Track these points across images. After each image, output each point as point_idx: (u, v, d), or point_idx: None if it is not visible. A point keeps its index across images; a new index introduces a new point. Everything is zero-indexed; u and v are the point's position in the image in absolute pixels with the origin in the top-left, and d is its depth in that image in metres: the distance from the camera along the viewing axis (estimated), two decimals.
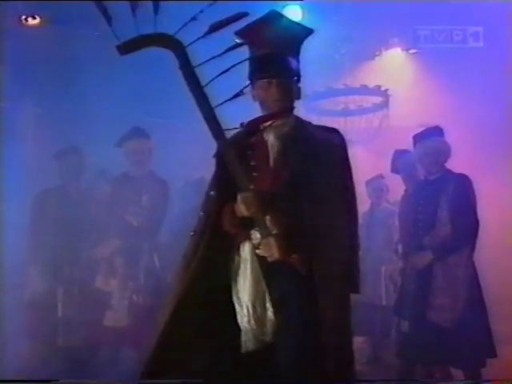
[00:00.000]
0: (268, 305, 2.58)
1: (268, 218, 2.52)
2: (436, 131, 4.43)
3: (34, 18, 5.61)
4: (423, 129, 4.51)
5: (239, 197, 2.53)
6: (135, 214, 4.63)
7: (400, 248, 4.81)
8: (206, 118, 2.42)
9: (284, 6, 5.93)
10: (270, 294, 2.58)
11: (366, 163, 5.84)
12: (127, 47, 2.24)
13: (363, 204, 5.53)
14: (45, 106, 5.94)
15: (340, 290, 2.55)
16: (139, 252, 4.59)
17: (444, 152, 4.36)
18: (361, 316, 5.02)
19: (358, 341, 5.08)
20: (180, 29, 2.28)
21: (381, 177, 5.70)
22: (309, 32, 2.79)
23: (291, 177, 2.58)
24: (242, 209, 2.52)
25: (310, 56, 5.81)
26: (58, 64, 5.47)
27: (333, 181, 2.60)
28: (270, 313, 2.58)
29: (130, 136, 4.73)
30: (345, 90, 6.09)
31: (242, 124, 2.59)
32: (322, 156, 2.60)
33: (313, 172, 2.57)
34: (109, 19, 2.19)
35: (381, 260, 5.48)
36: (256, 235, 2.59)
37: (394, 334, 4.79)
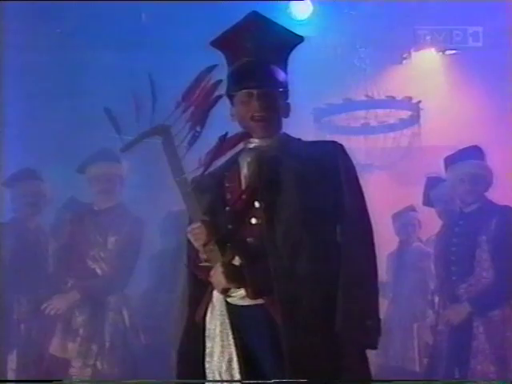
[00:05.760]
0: (236, 374, 2.62)
1: (229, 245, 2.64)
2: (474, 152, 4.45)
3: None
4: (458, 149, 4.54)
5: (187, 231, 2.66)
6: (99, 259, 4.64)
7: (437, 299, 4.81)
8: None
9: None
10: (238, 357, 2.62)
11: (393, 193, 5.89)
12: (128, 147, 2.71)
13: (390, 242, 5.56)
14: None
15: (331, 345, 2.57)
16: (104, 307, 4.60)
17: (484, 178, 4.38)
18: None
19: None
20: None
21: (412, 209, 5.72)
22: (298, 40, 2.85)
23: (264, 206, 2.65)
24: (194, 244, 2.66)
25: (322, 61, 5.98)
26: (11, 70, 5.49)
27: (319, 204, 2.64)
28: None
29: (95, 159, 4.76)
30: (366, 102, 6.11)
31: (221, 137, 2.68)
32: (303, 177, 2.65)
33: (290, 196, 2.64)
34: (118, 129, 2.68)
35: (413, 314, 5.47)
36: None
37: None
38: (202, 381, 2.71)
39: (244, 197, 2.70)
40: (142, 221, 4.78)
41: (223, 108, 2.75)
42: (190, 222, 2.67)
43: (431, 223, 5.27)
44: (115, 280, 4.65)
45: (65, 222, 4.87)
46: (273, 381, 2.55)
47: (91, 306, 4.58)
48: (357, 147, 5.69)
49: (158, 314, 4.78)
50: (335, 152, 2.74)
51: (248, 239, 2.66)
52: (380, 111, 6.17)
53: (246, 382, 2.61)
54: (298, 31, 2.88)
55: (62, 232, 4.86)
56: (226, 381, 2.63)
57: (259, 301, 2.62)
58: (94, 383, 4.51)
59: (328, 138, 5.67)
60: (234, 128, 2.76)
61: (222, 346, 2.65)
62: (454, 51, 6.48)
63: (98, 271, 4.66)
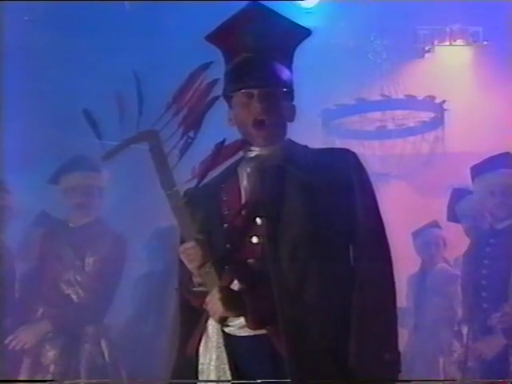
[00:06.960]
0: None
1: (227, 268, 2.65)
2: (505, 160, 4.49)
3: None
4: (487, 157, 4.57)
5: (179, 251, 2.67)
6: (75, 283, 4.65)
7: (465, 330, 4.82)
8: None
9: None
10: None
11: (413, 206, 5.90)
12: (111, 155, 2.71)
13: (410, 264, 5.57)
14: None
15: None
16: (80, 340, 4.60)
17: None
18: None
19: None
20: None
21: (435, 225, 5.75)
22: (305, 33, 2.86)
23: (267, 222, 2.66)
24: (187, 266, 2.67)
25: (332, 56, 6.01)
26: None
27: (328, 220, 2.66)
28: None
29: (71, 168, 4.78)
30: (381, 102, 6.15)
31: (217, 144, 2.70)
32: (311, 189, 2.67)
33: (296, 212, 2.65)
34: (98, 134, 2.68)
35: (438, 346, 5.48)
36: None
37: None
38: (194, 381, 2.73)
39: (244, 212, 2.71)
40: (124, 239, 4.80)
41: (220, 111, 2.76)
42: (182, 241, 2.67)
43: (458, 241, 5.30)
44: (93, 308, 4.66)
45: (35, 241, 4.88)
46: (260, 381, 2.58)
47: (65, 338, 4.59)
48: (371, 154, 5.72)
49: (142, 347, 4.79)
50: (347, 161, 2.75)
51: (248, 260, 2.67)
52: (398, 112, 6.21)
53: (236, 382, 2.63)
54: (305, 22, 2.91)
55: (31, 252, 4.87)
56: (218, 380, 2.65)
57: (261, 331, 2.63)
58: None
59: (338, 143, 5.72)
60: (233, 134, 2.77)
61: None
62: (484, 43, 6.52)
63: (74, 297, 4.66)
